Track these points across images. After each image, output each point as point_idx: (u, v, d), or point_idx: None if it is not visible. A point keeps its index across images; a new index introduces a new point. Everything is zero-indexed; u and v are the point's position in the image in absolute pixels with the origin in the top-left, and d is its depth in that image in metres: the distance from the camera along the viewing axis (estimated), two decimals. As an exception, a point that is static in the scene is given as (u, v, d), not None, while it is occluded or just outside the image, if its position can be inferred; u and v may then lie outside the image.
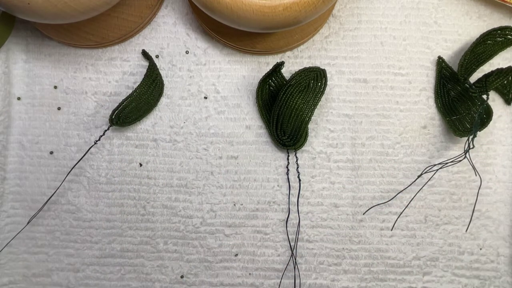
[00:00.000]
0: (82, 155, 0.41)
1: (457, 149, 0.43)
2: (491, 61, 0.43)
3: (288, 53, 0.44)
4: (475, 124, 0.40)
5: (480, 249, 0.43)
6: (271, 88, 0.43)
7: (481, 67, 0.43)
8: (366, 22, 0.44)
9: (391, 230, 0.43)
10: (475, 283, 0.43)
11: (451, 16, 0.45)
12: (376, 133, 0.44)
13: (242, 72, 0.44)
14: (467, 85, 0.42)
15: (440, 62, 0.44)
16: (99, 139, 0.42)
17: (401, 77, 0.44)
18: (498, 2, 0.43)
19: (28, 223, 0.42)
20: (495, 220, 0.43)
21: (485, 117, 0.42)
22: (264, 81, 0.42)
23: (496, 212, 0.43)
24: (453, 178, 0.43)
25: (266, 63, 0.44)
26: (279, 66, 0.42)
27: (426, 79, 0.44)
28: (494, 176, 0.44)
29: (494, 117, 0.42)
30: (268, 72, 0.42)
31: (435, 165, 0.42)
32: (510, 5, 0.43)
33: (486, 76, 0.42)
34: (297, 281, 0.42)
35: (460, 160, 0.39)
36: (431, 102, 0.44)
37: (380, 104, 0.44)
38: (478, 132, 0.43)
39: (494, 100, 0.44)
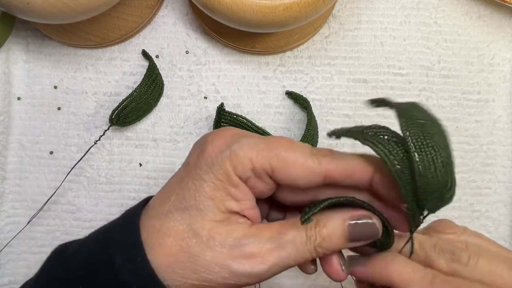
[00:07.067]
0: (82, 155, 0.41)
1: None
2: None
3: (288, 53, 0.44)
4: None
5: (480, 249, 0.43)
6: None
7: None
8: (366, 22, 0.44)
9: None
10: (475, 283, 0.43)
11: (451, 16, 0.44)
12: (376, 133, 0.43)
13: (242, 72, 0.44)
14: None
15: None
16: (99, 139, 0.42)
17: (401, 77, 0.44)
18: (498, 2, 0.43)
19: (28, 223, 0.42)
20: (495, 220, 0.43)
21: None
22: (217, 127, 0.42)
23: (496, 212, 0.43)
24: (453, 178, 0.43)
25: (266, 63, 0.44)
26: (220, 109, 0.41)
27: (426, 79, 0.44)
28: (494, 176, 0.44)
29: (494, 117, 0.42)
30: (215, 119, 0.41)
31: None
32: (510, 5, 0.43)
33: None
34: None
35: None
36: (431, 102, 0.44)
37: (380, 104, 0.44)
38: (479, 133, 0.43)
39: (495, 100, 0.44)
